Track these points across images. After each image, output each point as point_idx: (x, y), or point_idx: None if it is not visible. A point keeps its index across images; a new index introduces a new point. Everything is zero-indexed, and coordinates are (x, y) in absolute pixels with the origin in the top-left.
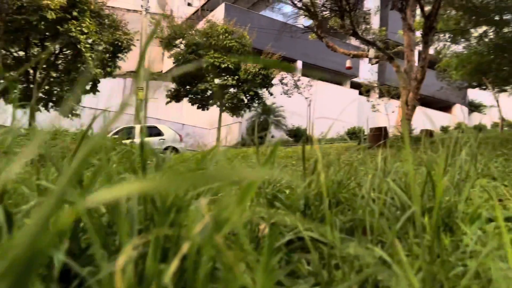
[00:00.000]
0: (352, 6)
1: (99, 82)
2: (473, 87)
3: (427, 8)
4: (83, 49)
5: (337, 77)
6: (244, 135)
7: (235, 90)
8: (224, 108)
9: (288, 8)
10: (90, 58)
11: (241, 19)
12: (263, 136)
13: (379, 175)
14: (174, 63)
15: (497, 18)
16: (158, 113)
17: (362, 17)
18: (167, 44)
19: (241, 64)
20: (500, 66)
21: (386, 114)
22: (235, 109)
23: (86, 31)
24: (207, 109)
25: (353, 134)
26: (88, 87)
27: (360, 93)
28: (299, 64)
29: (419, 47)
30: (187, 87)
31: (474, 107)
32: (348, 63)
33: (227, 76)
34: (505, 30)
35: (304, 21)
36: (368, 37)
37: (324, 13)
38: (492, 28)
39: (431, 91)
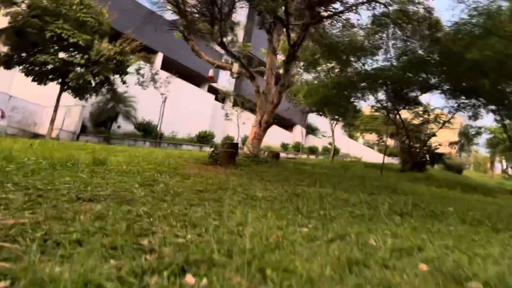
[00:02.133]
0: (224, 15)
1: None
2: (313, 112)
3: (293, 35)
4: None
5: (196, 78)
6: (87, 121)
7: (82, 70)
8: (66, 87)
9: None
10: None
11: None
12: (108, 125)
13: None
14: (10, 23)
15: (344, 57)
16: None
17: (230, 28)
18: None
19: (94, 43)
20: (339, 101)
21: (237, 125)
22: (80, 90)
23: None
24: (45, 84)
25: (204, 138)
26: None
27: (216, 99)
28: (159, 56)
29: (279, 70)
30: (23, 54)
31: (311, 130)
32: (210, 72)
33: (76, 53)
34: (348, 70)
35: (172, 15)
36: (233, 49)
37: (194, 15)
38: (338, 66)
39: (278, 109)
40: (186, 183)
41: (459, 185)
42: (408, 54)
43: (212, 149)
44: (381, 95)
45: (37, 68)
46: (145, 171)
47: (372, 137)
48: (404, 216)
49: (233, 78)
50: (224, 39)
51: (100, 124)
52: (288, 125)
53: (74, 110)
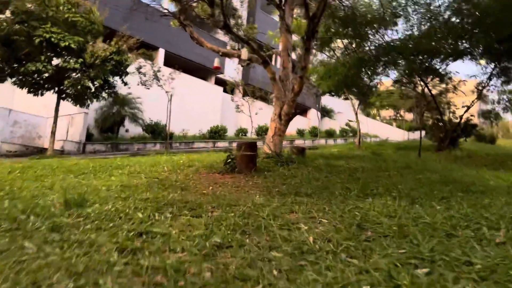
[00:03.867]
0: None
1: None
2: (326, 93)
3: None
4: None
5: (201, 71)
6: (92, 128)
7: (78, 75)
8: (64, 95)
9: None
10: None
11: None
12: (115, 130)
13: None
14: None
15: (362, 30)
16: None
17: (233, 9)
18: None
19: (87, 45)
20: (361, 80)
21: (250, 116)
22: (79, 97)
23: None
24: (42, 94)
25: (216, 133)
26: None
27: (225, 91)
28: (161, 52)
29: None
30: (15, 65)
31: (326, 112)
32: (216, 62)
33: (69, 57)
34: (367, 44)
35: (169, 5)
36: (239, 33)
37: None
38: (354, 42)
39: None
40: (195, 225)
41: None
42: (433, 19)
43: (228, 154)
44: (402, 69)
45: (30, 79)
46: (138, 210)
47: (388, 113)
48: None
49: (242, 66)
50: (228, 22)
51: (107, 130)
52: (301, 110)
53: (77, 119)
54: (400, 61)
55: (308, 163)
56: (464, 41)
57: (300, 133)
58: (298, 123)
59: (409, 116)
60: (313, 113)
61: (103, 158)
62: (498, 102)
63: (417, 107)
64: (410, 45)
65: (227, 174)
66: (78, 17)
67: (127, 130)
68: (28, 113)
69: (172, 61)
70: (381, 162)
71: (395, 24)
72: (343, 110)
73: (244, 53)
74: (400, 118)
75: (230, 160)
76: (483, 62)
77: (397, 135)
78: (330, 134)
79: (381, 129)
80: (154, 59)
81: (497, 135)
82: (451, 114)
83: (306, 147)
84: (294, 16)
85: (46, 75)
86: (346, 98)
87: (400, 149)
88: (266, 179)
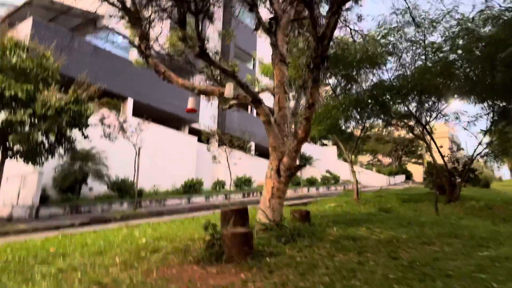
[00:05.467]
0: (201, 6)
1: None
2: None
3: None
4: None
5: (174, 121)
6: (49, 188)
7: (26, 129)
8: (11, 153)
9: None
10: None
11: (58, 43)
12: (77, 190)
13: None
14: None
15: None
16: None
17: (209, 19)
18: None
19: (37, 94)
20: (356, 123)
21: (228, 166)
22: (30, 154)
23: None
24: None
25: (191, 187)
26: None
27: (200, 140)
28: (129, 102)
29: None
30: None
31: (305, 160)
32: (190, 103)
33: (17, 108)
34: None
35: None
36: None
37: (151, 14)
38: (346, 81)
39: (262, 139)
40: None
41: None
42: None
43: (210, 232)
44: (397, 109)
45: None
46: None
47: (366, 158)
48: None
49: (223, 109)
50: (205, 47)
51: (67, 190)
52: None
53: (30, 179)
54: (398, 100)
55: (321, 235)
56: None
57: None
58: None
59: (386, 160)
60: None
61: (35, 235)
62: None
63: (395, 151)
64: (412, 83)
65: (211, 266)
66: (29, 62)
67: (90, 189)
68: None
69: (142, 112)
70: (406, 225)
71: (386, 62)
72: (320, 156)
73: (229, 89)
74: (378, 162)
75: (214, 242)
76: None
77: (378, 180)
78: (311, 182)
79: (362, 174)
80: (122, 109)
81: (491, 179)
82: (446, 158)
83: (299, 202)
84: (288, 43)
85: None
86: (335, 144)
87: (405, 202)
88: (272, 273)
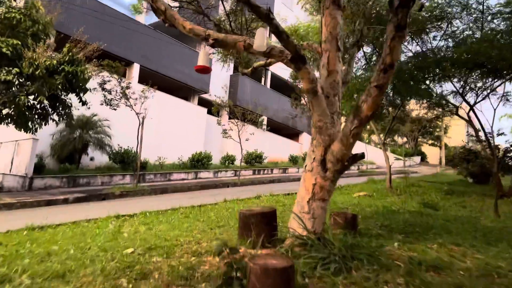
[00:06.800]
0: None
1: None
2: None
3: None
4: None
5: (183, 90)
6: (47, 157)
7: (13, 91)
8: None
9: None
10: None
11: None
12: (76, 159)
13: None
14: None
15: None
16: None
17: None
18: None
19: (24, 51)
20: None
21: (240, 143)
22: (20, 119)
23: None
24: None
25: (199, 161)
26: None
27: (209, 112)
28: (135, 68)
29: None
30: None
31: None
32: (201, 58)
33: (2, 67)
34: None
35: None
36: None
37: None
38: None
39: (280, 116)
40: None
41: None
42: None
43: (225, 261)
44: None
45: None
46: None
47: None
48: None
49: (243, 74)
50: None
51: (65, 159)
52: (292, 134)
53: (24, 146)
54: (457, 73)
55: (382, 257)
56: None
57: (294, 160)
58: (289, 148)
59: (399, 140)
60: (305, 138)
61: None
62: None
63: (411, 131)
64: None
65: None
66: (16, 13)
67: (92, 159)
68: None
69: (149, 78)
70: (479, 236)
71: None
72: None
73: (261, 37)
74: (392, 142)
75: (233, 276)
76: None
77: (392, 161)
78: None
79: (374, 154)
80: (127, 75)
81: None
82: (483, 144)
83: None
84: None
85: None
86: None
87: (447, 194)
88: None
